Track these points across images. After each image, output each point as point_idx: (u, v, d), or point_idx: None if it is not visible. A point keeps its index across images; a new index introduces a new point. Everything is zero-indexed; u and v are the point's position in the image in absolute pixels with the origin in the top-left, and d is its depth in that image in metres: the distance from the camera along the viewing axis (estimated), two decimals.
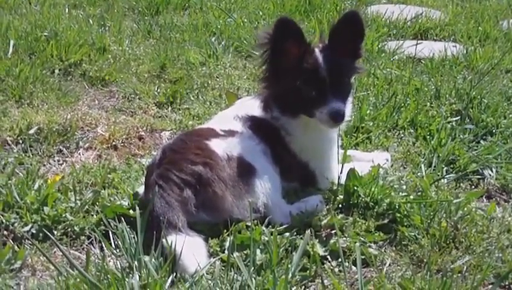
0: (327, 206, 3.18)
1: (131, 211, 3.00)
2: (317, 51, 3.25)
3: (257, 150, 3.18)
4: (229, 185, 2.97)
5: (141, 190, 3.17)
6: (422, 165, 3.66)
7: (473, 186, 3.65)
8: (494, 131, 4.24)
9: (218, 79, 5.04)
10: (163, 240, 2.64)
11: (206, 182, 2.93)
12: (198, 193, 2.92)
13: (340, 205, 3.21)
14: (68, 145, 3.92)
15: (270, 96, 3.36)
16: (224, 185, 2.95)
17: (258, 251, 2.74)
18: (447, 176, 3.61)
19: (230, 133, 3.22)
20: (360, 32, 3.38)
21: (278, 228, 2.84)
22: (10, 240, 2.87)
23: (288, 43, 3.21)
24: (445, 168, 3.71)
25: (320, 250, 2.83)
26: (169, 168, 2.97)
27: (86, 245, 2.92)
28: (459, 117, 4.32)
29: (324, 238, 2.92)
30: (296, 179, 3.34)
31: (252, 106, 3.43)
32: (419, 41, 5.90)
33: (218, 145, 3.10)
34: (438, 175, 3.58)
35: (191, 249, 2.63)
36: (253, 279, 2.52)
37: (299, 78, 3.22)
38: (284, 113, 3.31)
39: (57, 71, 4.97)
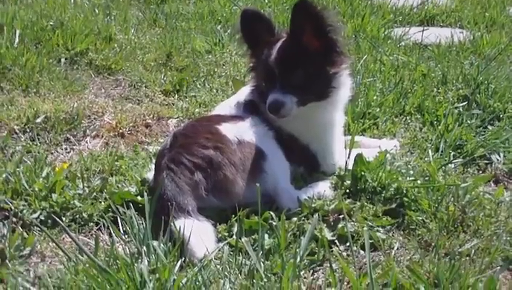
0: (335, 192, 3.19)
1: (139, 197, 3.00)
2: (279, 42, 3.25)
3: (267, 135, 3.20)
4: (240, 169, 2.98)
5: (149, 176, 3.18)
6: (430, 151, 3.65)
7: (481, 171, 3.65)
8: (501, 116, 4.23)
9: (224, 67, 5.04)
10: (172, 224, 2.65)
11: (217, 166, 2.94)
12: (209, 177, 2.92)
13: (347, 190, 3.21)
14: (75, 133, 3.93)
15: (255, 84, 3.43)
16: (235, 169, 2.96)
17: (266, 236, 2.75)
18: (455, 161, 3.61)
19: (239, 119, 3.23)
20: (315, 22, 3.16)
21: (285, 213, 2.84)
22: (19, 227, 2.87)
23: (261, 33, 3.29)
24: (452, 153, 3.70)
25: (328, 234, 2.83)
26: (180, 152, 2.98)
27: (95, 231, 2.92)
28: (466, 102, 4.31)
29: (332, 223, 2.91)
30: (300, 162, 3.33)
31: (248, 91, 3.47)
32: (425, 28, 5.89)
33: (228, 130, 3.11)
34: (445, 160, 3.58)
35: (200, 234, 2.64)
36: (261, 263, 2.52)
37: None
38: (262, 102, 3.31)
39: (63, 60, 4.97)
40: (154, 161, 3.28)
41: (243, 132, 3.13)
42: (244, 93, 3.51)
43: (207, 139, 3.03)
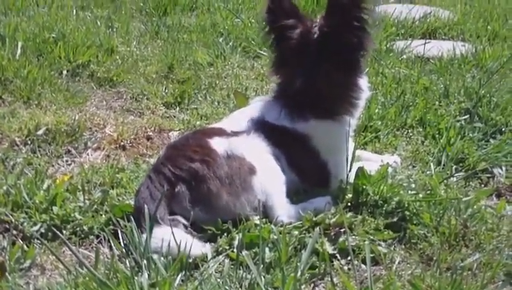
0: (336, 207, 3.15)
1: None
2: None
3: (263, 151, 3.14)
4: (225, 183, 2.95)
5: None
6: (431, 164, 3.64)
7: (483, 185, 3.63)
8: (503, 129, 4.21)
9: (226, 79, 5.04)
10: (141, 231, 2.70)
11: (201, 179, 2.94)
12: (192, 189, 2.92)
13: (349, 204, 3.19)
14: (76, 145, 3.92)
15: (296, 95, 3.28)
16: (220, 182, 2.95)
17: (267, 249, 2.73)
18: (456, 175, 3.59)
19: (236, 133, 3.19)
20: None
21: (286, 226, 2.83)
22: (19, 240, 2.87)
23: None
24: (454, 166, 3.69)
25: (329, 248, 2.82)
26: (164, 163, 3.01)
27: (95, 244, 2.92)
28: (468, 116, 4.29)
29: (333, 237, 2.90)
30: (317, 183, 3.29)
31: (266, 108, 3.35)
32: (427, 41, 5.89)
33: (219, 144, 3.08)
34: (447, 174, 3.56)
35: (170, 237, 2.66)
36: (262, 277, 2.51)
37: None
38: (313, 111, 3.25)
39: (64, 72, 4.97)
40: None
41: (234, 146, 3.08)
42: (257, 107, 3.40)
43: (195, 152, 3.02)
